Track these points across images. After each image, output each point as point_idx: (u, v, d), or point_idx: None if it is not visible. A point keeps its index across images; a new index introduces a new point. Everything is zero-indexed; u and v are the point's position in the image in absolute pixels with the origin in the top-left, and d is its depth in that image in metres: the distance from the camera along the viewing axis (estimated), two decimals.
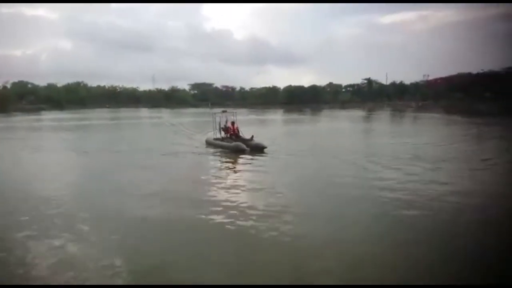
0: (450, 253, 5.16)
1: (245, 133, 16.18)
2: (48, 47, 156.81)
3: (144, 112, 61.62)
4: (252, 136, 15.52)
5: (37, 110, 66.59)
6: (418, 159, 12.32)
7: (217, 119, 17.33)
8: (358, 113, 57.40)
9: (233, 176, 11.02)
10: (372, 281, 4.45)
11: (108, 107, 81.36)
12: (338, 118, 43.37)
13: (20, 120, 42.13)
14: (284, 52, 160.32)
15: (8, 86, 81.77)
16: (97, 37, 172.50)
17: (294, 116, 48.61)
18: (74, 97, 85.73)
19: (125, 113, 59.52)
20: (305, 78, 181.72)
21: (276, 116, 49.55)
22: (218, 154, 14.64)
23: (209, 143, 16.95)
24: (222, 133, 16.84)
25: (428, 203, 7.34)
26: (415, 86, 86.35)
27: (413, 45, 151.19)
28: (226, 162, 13.15)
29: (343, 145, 16.45)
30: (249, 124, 32.88)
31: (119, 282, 4.51)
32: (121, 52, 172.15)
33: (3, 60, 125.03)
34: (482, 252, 5.15)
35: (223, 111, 17.81)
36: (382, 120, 40.50)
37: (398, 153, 13.56)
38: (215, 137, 17.00)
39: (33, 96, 78.31)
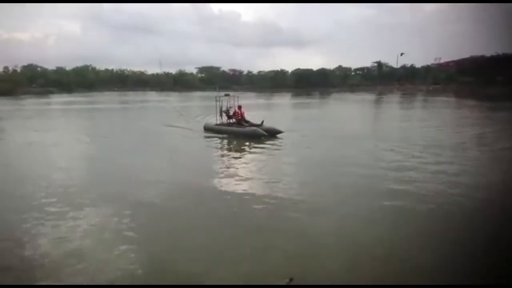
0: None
1: (254, 118, 15.44)
2: (56, 31, 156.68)
3: (152, 95, 61.48)
4: (263, 121, 14.63)
5: (46, 93, 66.92)
6: (434, 146, 11.89)
7: (220, 103, 16.02)
8: (368, 96, 56.65)
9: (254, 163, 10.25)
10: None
11: (116, 90, 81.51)
12: (348, 102, 42.78)
13: (31, 103, 42.34)
14: (293, 34, 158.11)
15: (18, 69, 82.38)
16: (104, 20, 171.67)
17: (303, 99, 48.01)
18: (82, 80, 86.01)
19: (134, 96, 59.53)
20: (313, 61, 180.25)
21: (284, 100, 49.00)
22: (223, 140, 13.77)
23: (210, 129, 15.63)
24: (224, 118, 15.74)
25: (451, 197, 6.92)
26: (426, 69, 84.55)
27: (425, 27, 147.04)
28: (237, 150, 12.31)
29: (356, 131, 15.86)
30: (257, 108, 32.77)
31: None
32: (128, 35, 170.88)
33: (12, 43, 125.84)
34: None
35: (226, 95, 16.62)
36: (393, 104, 39.76)
37: (413, 139, 13.20)
38: (217, 122, 15.86)
39: (43, 79, 78.54)
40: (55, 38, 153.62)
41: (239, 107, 15.43)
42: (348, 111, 29.89)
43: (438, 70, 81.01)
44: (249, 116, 15.72)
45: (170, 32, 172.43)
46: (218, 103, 15.95)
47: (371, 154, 10.94)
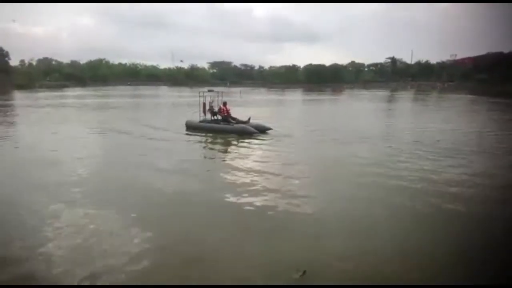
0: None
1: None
2: (70, 25, 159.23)
3: (165, 90, 61.92)
4: (249, 118, 14.20)
5: (60, 86, 67.97)
6: (452, 149, 11.33)
7: (203, 99, 15.32)
8: (381, 93, 56.01)
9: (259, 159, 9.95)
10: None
11: (129, 84, 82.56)
12: (360, 99, 42.33)
13: (46, 96, 43.07)
14: (305, 29, 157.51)
15: (34, 63, 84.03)
16: (117, 15, 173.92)
17: (315, 96, 47.76)
18: (96, 74, 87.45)
19: (146, 91, 60.10)
20: (326, 57, 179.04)
21: (296, 96, 48.73)
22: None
23: (193, 127, 14.80)
24: (208, 115, 15.09)
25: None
26: (441, 65, 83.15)
27: (441, 22, 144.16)
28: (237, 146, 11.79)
29: (373, 131, 14.99)
30: (268, 104, 32.83)
31: None
32: (141, 29, 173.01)
33: (28, 37, 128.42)
34: None
35: (209, 90, 15.90)
36: (408, 101, 39.19)
37: (435, 141, 12.49)
38: (201, 119, 15.10)
39: (58, 73, 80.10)
40: (69, 32, 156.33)
41: (224, 104, 14.80)
42: (362, 109, 29.50)
43: (454, 66, 79.57)
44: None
45: (182, 27, 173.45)
46: (201, 99, 15.29)
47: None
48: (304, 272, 4.03)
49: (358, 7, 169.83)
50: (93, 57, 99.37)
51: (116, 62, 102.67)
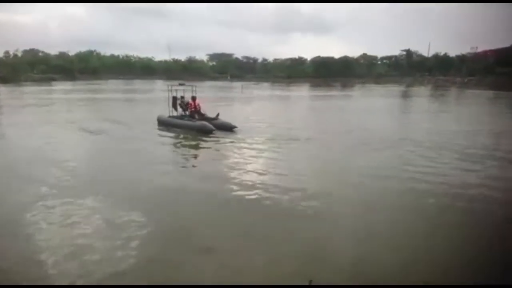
0: None
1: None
2: (59, 13, 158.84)
3: (159, 84, 61.08)
4: (218, 114, 14.69)
5: (48, 80, 67.18)
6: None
7: (175, 93, 16.03)
8: (396, 88, 55.06)
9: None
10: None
11: (122, 78, 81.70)
12: (374, 95, 41.19)
13: (31, 91, 42.16)
14: (313, 18, 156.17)
15: (19, 54, 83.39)
16: (109, 3, 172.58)
17: (323, 92, 46.55)
18: (86, 67, 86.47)
19: (140, 85, 59.36)
20: (335, 48, 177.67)
21: (302, 92, 47.53)
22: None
23: (162, 122, 15.51)
24: (179, 110, 15.72)
25: None
26: (461, 59, 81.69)
27: (460, 12, 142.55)
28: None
29: (396, 134, 13.89)
30: (271, 100, 31.96)
31: None
32: (134, 18, 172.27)
33: (13, 26, 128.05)
34: None
35: (180, 84, 16.37)
36: (427, 98, 37.72)
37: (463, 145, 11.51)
38: (170, 114, 15.78)
39: (45, 66, 79.18)
40: (58, 21, 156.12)
41: (193, 99, 15.17)
42: (380, 107, 28.18)
43: (474, 60, 78.31)
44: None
45: (179, 16, 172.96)
46: (170, 93, 15.87)
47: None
48: (311, 281, 3.98)
49: None
50: (83, 48, 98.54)
51: (108, 54, 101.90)
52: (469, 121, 18.49)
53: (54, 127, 15.46)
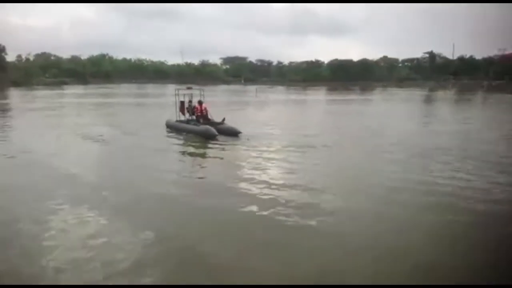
0: None
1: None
2: (71, 17, 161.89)
3: (172, 89, 60.58)
4: (224, 119, 14.62)
5: (59, 84, 67.65)
6: None
7: (183, 97, 16.19)
8: (418, 92, 53.28)
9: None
10: None
11: (134, 82, 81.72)
12: (397, 100, 38.97)
13: (42, 95, 42.06)
14: (330, 20, 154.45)
15: (31, 58, 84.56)
16: (122, 6, 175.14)
17: (341, 96, 44.59)
18: (98, 71, 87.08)
19: (153, 89, 58.90)
20: (354, 51, 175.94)
21: (319, 96, 45.99)
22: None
23: (170, 126, 15.89)
24: (187, 114, 15.85)
25: None
26: (488, 61, 78.95)
27: (487, 12, 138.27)
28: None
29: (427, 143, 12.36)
30: (286, 104, 30.59)
31: None
32: (147, 21, 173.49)
33: (25, 30, 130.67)
34: None
35: (188, 88, 16.64)
36: (454, 103, 35.73)
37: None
38: (178, 119, 16.03)
39: (56, 69, 79.87)
40: (70, 24, 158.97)
41: (200, 103, 15.34)
42: (407, 114, 26.04)
43: (503, 62, 75.47)
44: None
45: (193, 19, 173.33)
46: (178, 97, 16.09)
47: None
48: None
49: None
50: (95, 52, 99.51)
51: (120, 58, 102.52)
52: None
53: (62, 131, 15.62)
